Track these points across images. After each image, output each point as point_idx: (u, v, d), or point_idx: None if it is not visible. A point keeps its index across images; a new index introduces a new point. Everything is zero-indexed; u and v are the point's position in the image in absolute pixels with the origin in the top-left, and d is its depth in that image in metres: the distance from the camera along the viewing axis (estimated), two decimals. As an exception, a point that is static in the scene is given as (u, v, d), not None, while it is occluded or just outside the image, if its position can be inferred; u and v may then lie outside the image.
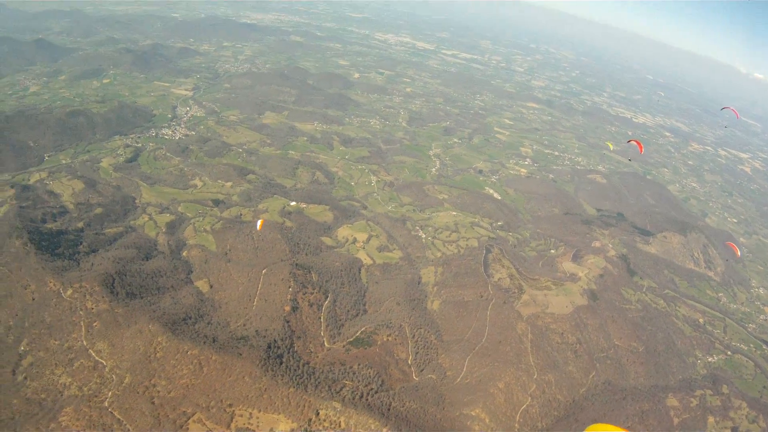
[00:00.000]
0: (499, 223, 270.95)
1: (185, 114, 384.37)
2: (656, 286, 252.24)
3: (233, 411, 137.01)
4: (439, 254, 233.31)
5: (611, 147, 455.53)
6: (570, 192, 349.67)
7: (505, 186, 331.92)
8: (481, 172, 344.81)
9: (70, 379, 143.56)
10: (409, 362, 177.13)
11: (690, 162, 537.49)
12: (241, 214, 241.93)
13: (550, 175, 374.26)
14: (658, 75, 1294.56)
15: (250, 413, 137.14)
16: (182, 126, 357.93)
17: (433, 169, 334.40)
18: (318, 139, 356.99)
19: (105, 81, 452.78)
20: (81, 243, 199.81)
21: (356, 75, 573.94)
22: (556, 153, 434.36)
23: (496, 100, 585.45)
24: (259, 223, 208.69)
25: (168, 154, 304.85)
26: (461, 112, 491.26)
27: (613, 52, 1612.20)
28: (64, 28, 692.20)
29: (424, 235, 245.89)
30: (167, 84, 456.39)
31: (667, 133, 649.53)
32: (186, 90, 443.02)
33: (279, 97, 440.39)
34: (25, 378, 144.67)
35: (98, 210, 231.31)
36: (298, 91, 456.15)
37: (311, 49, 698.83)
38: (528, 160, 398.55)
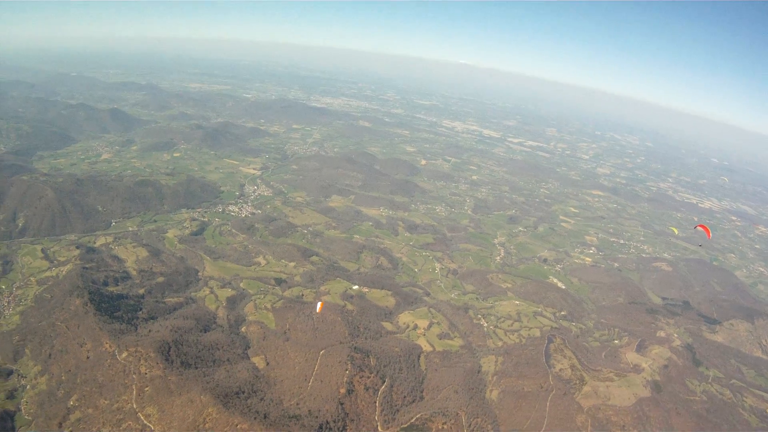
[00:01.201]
0: (562, 313, 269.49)
1: (252, 192, 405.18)
2: (722, 376, 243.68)
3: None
4: (500, 343, 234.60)
5: (676, 233, 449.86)
6: (635, 280, 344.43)
7: (569, 275, 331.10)
8: (545, 260, 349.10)
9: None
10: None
11: (757, 246, 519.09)
12: (302, 295, 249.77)
13: (615, 264, 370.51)
14: (723, 158, 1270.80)
15: None
16: (249, 204, 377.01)
17: (498, 258, 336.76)
18: (383, 224, 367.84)
19: (175, 154, 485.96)
20: (141, 309, 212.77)
21: (423, 161, 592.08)
22: (622, 241, 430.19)
23: (562, 188, 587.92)
24: (319, 305, 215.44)
25: (233, 230, 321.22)
26: (526, 200, 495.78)
27: (678, 136, 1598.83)
28: (139, 100, 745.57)
29: (486, 324, 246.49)
30: (236, 162, 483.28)
31: (734, 217, 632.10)
32: (254, 169, 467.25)
33: (346, 181, 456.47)
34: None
35: (160, 279, 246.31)
36: (364, 175, 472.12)
37: (379, 135, 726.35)
38: (593, 248, 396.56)
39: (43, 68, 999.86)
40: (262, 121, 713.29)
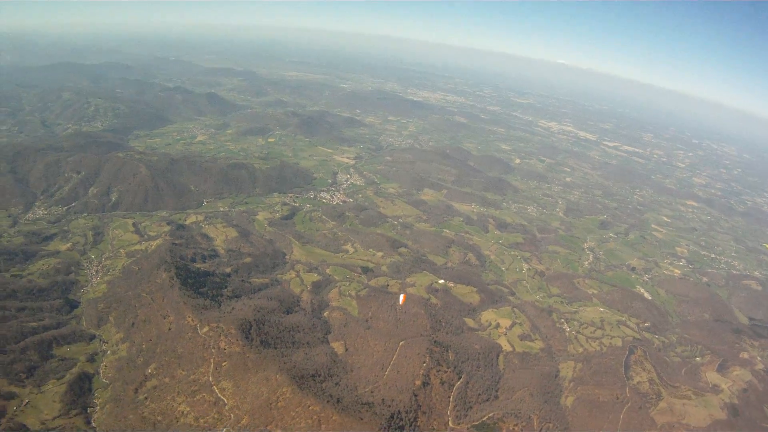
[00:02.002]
0: (646, 324, 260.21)
1: (345, 181, 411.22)
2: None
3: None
4: (580, 350, 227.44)
5: None
6: (723, 297, 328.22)
7: (656, 286, 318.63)
8: (633, 269, 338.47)
9: (188, 409, 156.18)
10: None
11: None
12: (387, 285, 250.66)
13: (704, 278, 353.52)
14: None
15: None
16: (341, 192, 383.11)
17: (586, 263, 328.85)
18: (474, 220, 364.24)
19: (270, 140, 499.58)
20: (226, 287, 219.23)
21: (517, 160, 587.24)
22: (712, 255, 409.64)
23: (656, 195, 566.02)
24: (402, 297, 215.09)
25: (324, 217, 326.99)
26: (619, 206, 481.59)
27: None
28: (235, 85, 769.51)
29: (568, 329, 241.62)
30: (330, 150, 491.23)
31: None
32: (348, 158, 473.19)
33: (439, 175, 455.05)
34: (146, 398, 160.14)
35: (248, 259, 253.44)
36: (458, 171, 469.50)
37: (474, 131, 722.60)
38: (683, 260, 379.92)
39: (141, 53, 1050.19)
40: (358, 111, 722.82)
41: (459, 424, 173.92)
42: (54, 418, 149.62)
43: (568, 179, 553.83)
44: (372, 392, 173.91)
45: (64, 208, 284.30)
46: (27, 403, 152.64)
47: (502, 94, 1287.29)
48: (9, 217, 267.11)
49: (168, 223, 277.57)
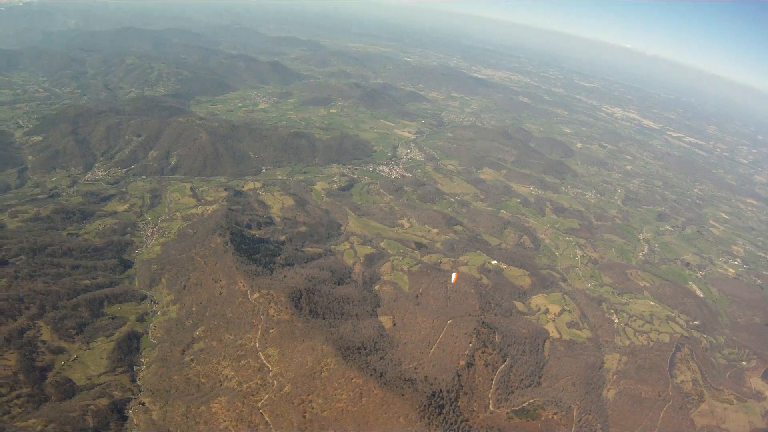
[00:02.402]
0: (695, 322, 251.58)
1: (405, 155, 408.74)
2: None
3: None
4: (627, 342, 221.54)
5: None
6: None
7: (709, 284, 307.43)
8: (688, 265, 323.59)
9: (233, 373, 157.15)
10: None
11: None
12: (440, 262, 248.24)
13: (758, 281, 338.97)
14: None
15: None
16: (400, 166, 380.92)
17: (640, 254, 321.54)
18: (531, 203, 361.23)
19: (332, 110, 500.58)
20: (279, 255, 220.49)
21: (578, 144, 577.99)
22: None
23: (715, 191, 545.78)
24: (454, 276, 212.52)
25: (381, 190, 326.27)
26: (678, 198, 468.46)
27: None
28: (299, 55, 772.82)
29: (617, 320, 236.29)
30: (391, 124, 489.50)
31: None
32: (409, 132, 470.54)
33: (499, 155, 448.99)
34: (192, 360, 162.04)
35: (303, 228, 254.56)
36: (518, 151, 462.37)
37: (537, 112, 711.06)
38: (738, 259, 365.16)
39: (205, 20, 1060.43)
40: (421, 86, 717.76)
41: (499, 407, 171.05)
42: (100, 375, 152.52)
43: (628, 167, 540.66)
44: (416, 369, 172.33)
45: (123, 170, 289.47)
46: (75, 358, 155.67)
47: (567, 77, 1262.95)
48: (69, 177, 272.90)
49: (225, 189, 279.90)
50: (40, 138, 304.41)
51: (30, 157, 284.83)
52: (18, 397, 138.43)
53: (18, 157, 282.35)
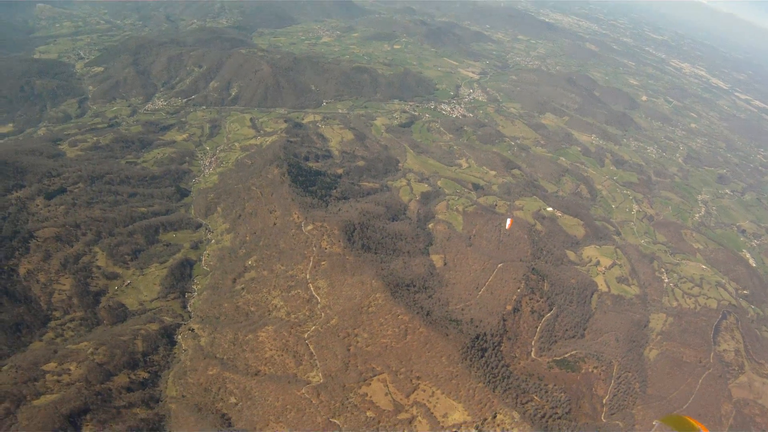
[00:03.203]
0: (744, 292, 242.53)
1: (467, 95, 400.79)
2: None
3: (418, 384, 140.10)
4: (674, 304, 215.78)
5: None
6: None
7: (764, 254, 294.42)
8: (743, 232, 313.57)
9: (282, 303, 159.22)
10: (604, 401, 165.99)
11: None
12: (495, 205, 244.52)
13: None
14: None
15: (433, 392, 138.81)
16: (461, 106, 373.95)
17: (697, 215, 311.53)
18: (591, 152, 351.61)
19: (396, 47, 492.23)
20: (335, 188, 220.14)
21: (644, 97, 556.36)
22: None
23: None
24: (509, 222, 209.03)
25: (441, 129, 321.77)
26: (740, 162, 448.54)
27: None
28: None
29: (666, 280, 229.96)
30: (455, 63, 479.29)
31: None
32: (473, 72, 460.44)
33: (562, 101, 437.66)
34: (243, 289, 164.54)
35: (360, 162, 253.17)
36: (582, 99, 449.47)
37: (603, 61, 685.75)
38: None
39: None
40: (488, 26, 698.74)
41: (541, 356, 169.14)
42: (152, 300, 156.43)
43: (692, 125, 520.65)
44: (462, 310, 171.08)
45: (184, 100, 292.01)
46: (128, 284, 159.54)
47: (637, 27, 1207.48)
48: (129, 106, 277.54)
49: (285, 121, 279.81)
50: (101, 69, 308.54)
51: (90, 88, 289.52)
52: (71, 320, 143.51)
53: (79, 88, 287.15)
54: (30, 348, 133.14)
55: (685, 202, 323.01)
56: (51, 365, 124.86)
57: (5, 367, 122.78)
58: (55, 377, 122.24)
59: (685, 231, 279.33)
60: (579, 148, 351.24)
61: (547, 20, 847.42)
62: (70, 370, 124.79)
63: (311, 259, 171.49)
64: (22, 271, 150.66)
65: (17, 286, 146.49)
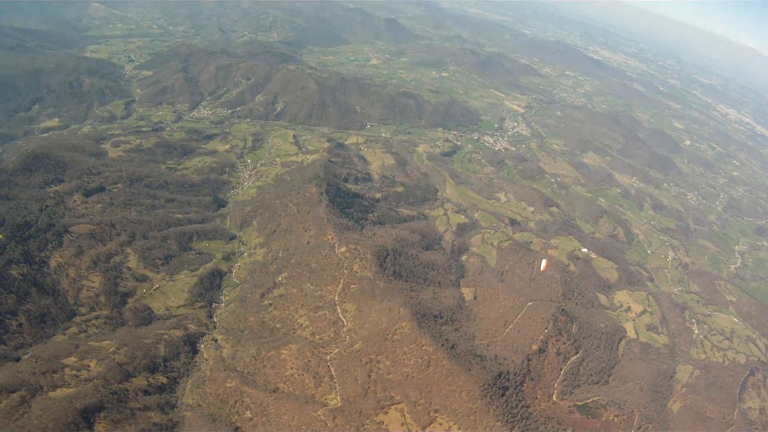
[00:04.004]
0: None
1: (511, 128, 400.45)
2: None
3: (435, 417, 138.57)
4: (703, 356, 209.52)
5: None
6: None
7: None
8: None
9: (307, 322, 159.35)
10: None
11: None
12: (531, 242, 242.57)
13: None
14: None
15: (450, 426, 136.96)
16: (505, 139, 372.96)
17: (732, 267, 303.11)
18: (631, 195, 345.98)
19: (443, 74, 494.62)
20: (372, 212, 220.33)
21: (687, 141, 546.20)
22: None
23: None
24: (544, 263, 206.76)
25: (483, 160, 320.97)
26: None
27: None
28: (416, 15, 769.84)
29: (696, 331, 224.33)
30: (502, 94, 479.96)
31: None
32: (518, 105, 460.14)
33: (605, 141, 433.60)
34: (270, 305, 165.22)
35: (399, 188, 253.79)
36: (625, 140, 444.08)
37: (649, 102, 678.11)
38: None
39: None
40: (536, 60, 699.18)
41: (562, 399, 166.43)
42: (179, 307, 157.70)
43: (734, 173, 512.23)
44: (488, 346, 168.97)
45: (229, 111, 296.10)
46: (157, 288, 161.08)
47: (685, 69, 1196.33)
48: (174, 112, 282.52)
49: (328, 140, 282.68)
50: (150, 73, 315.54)
51: (138, 91, 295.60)
52: (96, 318, 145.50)
53: (126, 90, 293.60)
54: (52, 340, 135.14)
55: (721, 251, 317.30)
56: (71, 359, 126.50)
57: (26, 356, 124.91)
58: (74, 372, 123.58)
59: (720, 282, 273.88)
60: (619, 190, 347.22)
61: (595, 57, 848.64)
62: (89, 366, 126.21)
63: (341, 281, 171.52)
64: (53, 264, 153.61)
65: (47, 278, 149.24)
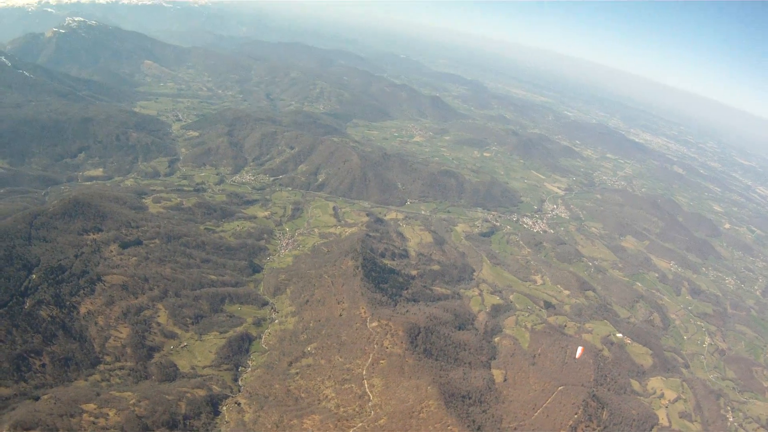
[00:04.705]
0: None
1: (550, 210, 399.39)
2: None
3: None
4: None
5: None
6: None
7: None
8: None
9: (333, 394, 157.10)
10: None
11: None
12: (565, 326, 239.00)
13: None
14: None
15: None
16: (543, 221, 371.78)
17: None
18: (668, 279, 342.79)
19: (486, 154, 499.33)
20: (406, 288, 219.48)
21: (726, 225, 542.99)
22: None
23: None
24: (580, 350, 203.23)
25: (521, 242, 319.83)
26: None
27: None
28: (460, 93, 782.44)
29: (731, 419, 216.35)
30: (542, 176, 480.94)
31: None
32: (558, 188, 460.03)
33: (644, 224, 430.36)
34: (297, 373, 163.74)
35: (435, 266, 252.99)
36: (664, 224, 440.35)
37: (689, 185, 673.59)
38: None
39: (373, 45, 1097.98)
40: (577, 142, 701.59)
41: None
42: (204, 367, 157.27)
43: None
44: (515, 429, 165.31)
45: (271, 178, 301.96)
46: (185, 346, 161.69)
47: (725, 151, 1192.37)
48: (217, 174, 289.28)
49: (367, 214, 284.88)
50: (196, 133, 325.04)
51: (183, 150, 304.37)
52: (120, 368, 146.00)
53: (172, 148, 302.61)
54: (74, 384, 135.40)
55: (759, 337, 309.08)
56: (90, 406, 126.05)
57: (45, 396, 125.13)
58: (92, 418, 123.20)
59: (756, 368, 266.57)
60: (656, 275, 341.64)
61: (636, 140, 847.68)
62: (108, 414, 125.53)
63: (371, 355, 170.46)
64: (83, 310, 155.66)
65: (75, 323, 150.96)
